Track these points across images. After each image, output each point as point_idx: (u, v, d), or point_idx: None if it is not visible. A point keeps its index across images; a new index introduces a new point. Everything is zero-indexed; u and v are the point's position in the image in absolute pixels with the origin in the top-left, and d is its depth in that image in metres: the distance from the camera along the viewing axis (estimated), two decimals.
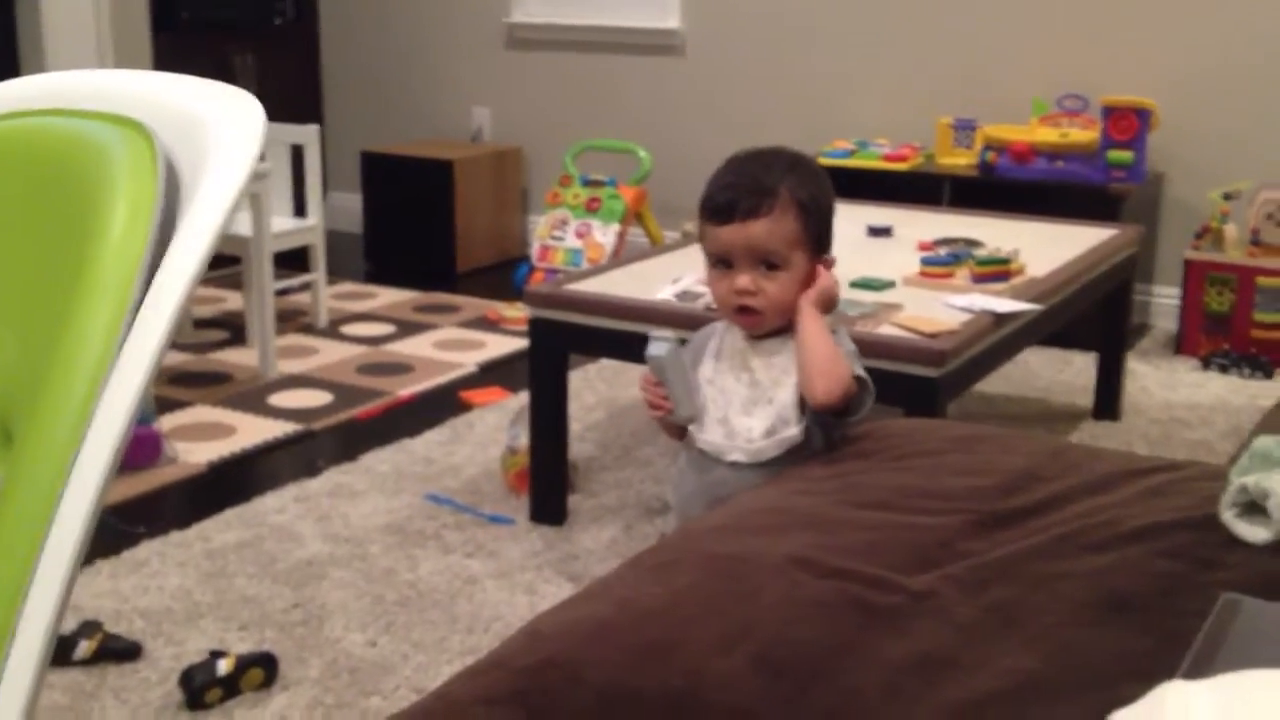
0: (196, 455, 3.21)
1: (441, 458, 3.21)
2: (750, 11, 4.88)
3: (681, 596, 1.37)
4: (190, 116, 0.97)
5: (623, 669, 1.24)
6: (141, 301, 0.88)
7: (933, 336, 2.39)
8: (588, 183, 4.54)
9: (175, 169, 0.94)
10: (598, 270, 2.98)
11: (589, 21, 5.20)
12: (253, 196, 3.79)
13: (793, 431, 1.86)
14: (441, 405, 3.60)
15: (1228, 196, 4.03)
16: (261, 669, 2.20)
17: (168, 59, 4.81)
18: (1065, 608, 1.35)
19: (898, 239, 3.19)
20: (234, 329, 4.23)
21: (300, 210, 4.27)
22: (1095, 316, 3.42)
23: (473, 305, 4.60)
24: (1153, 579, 1.42)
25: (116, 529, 2.76)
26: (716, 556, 1.46)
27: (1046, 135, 4.18)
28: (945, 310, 2.56)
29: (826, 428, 1.88)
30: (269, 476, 3.12)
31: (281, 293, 4.22)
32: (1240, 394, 3.70)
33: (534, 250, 4.54)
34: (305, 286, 4.36)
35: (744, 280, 1.85)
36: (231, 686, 2.16)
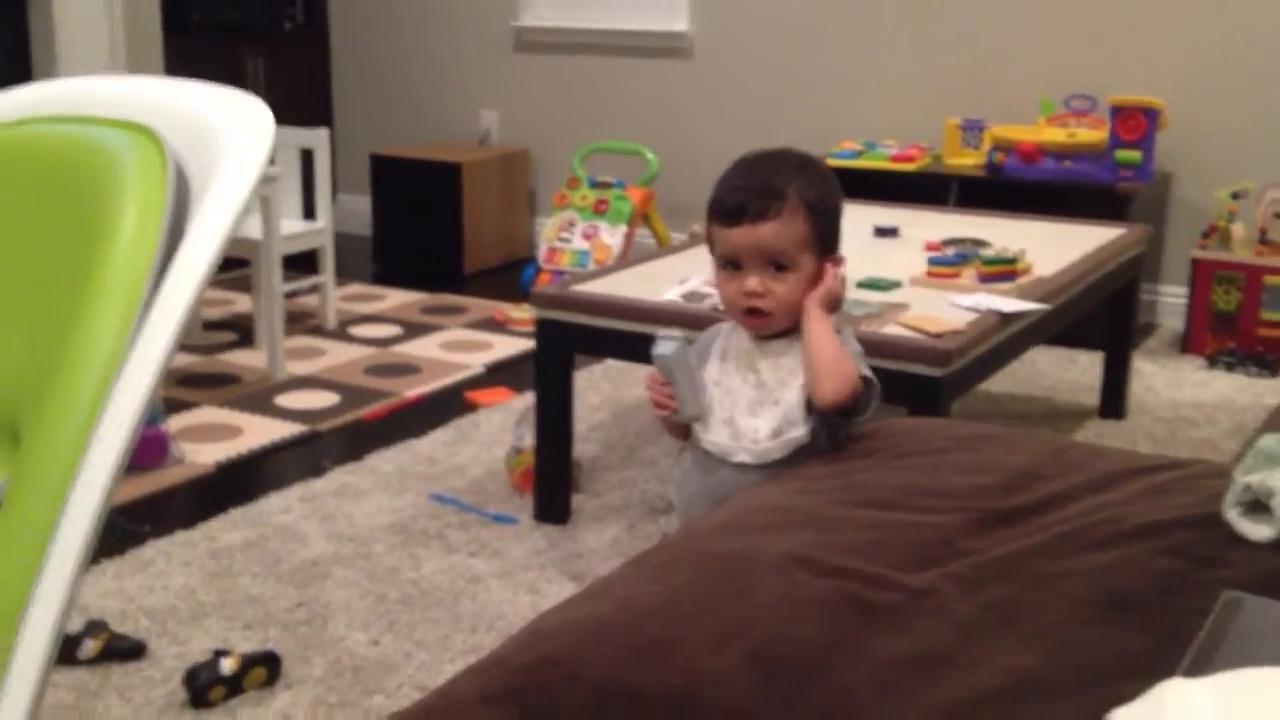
0: (204, 456, 3.22)
1: (446, 458, 3.22)
2: (758, 14, 4.88)
3: (680, 595, 1.37)
4: (200, 121, 0.98)
5: (620, 667, 1.24)
6: (151, 304, 0.89)
7: (938, 336, 2.39)
8: (595, 184, 4.55)
9: (185, 173, 0.94)
10: (604, 271, 2.98)
11: (597, 24, 5.20)
12: (262, 199, 3.80)
13: (799, 432, 1.87)
14: (447, 406, 3.61)
15: (1235, 196, 4.03)
16: (265, 668, 2.20)
17: (179, 62, 4.82)
18: (1065, 605, 1.35)
19: (905, 239, 3.20)
20: (243, 331, 4.25)
21: (309, 213, 4.29)
22: (1102, 316, 3.42)
23: (480, 307, 4.61)
24: (1154, 577, 1.42)
25: (123, 529, 2.77)
26: (716, 555, 1.47)
27: (1054, 135, 4.18)
28: (951, 310, 2.56)
29: (832, 428, 1.88)
30: (275, 477, 3.13)
31: (290, 295, 4.23)
32: (1246, 393, 3.70)
33: (541, 252, 4.54)
34: (314, 288, 4.37)
35: (753, 282, 1.85)
36: (235, 685, 2.17)
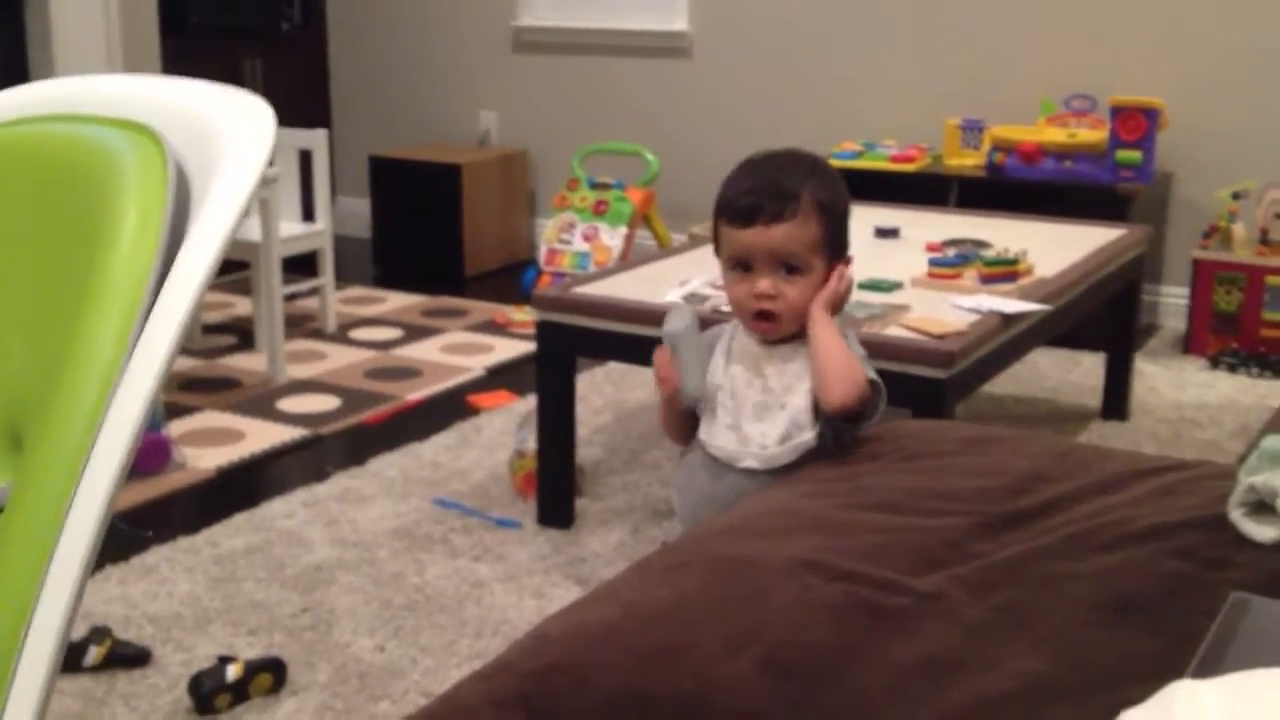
0: (205, 460, 3.21)
1: (449, 462, 3.21)
2: (757, 14, 4.88)
3: (689, 600, 1.37)
4: (201, 121, 0.97)
5: (630, 672, 1.24)
6: (151, 307, 0.88)
7: (940, 338, 2.38)
8: (595, 186, 4.54)
9: (185, 174, 0.94)
10: (605, 273, 2.98)
11: (596, 25, 5.20)
12: (261, 201, 3.80)
13: (807, 437, 1.86)
14: (449, 409, 3.61)
15: (1236, 196, 4.02)
16: (270, 674, 2.20)
17: (176, 64, 4.82)
18: (1073, 608, 1.35)
19: (905, 240, 3.19)
20: (243, 334, 4.24)
21: (309, 215, 4.28)
22: (1103, 317, 3.41)
23: (480, 309, 4.61)
24: (1161, 579, 1.42)
25: (126, 534, 2.77)
26: (724, 559, 1.46)
27: (1054, 135, 4.17)
28: (953, 311, 2.56)
29: (839, 432, 1.87)
30: (277, 481, 3.12)
31: (290, 298, 4.22)
32: (1249, 393, 3.69)
33: (541, 254, 4.54)
34: (314, 291, 4.37)
35: (765, 284, 1.84)
36: (240, 692, 2.16)
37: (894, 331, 2.43)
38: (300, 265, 4.27)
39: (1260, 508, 1.53)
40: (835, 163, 4.14)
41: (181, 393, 3.69)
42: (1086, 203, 3.90)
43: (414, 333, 4.32)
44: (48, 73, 4.34)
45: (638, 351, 2.25)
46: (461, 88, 5.55)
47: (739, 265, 1.87)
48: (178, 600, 2.52)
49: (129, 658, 2.28)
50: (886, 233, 3.23)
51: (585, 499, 2.96)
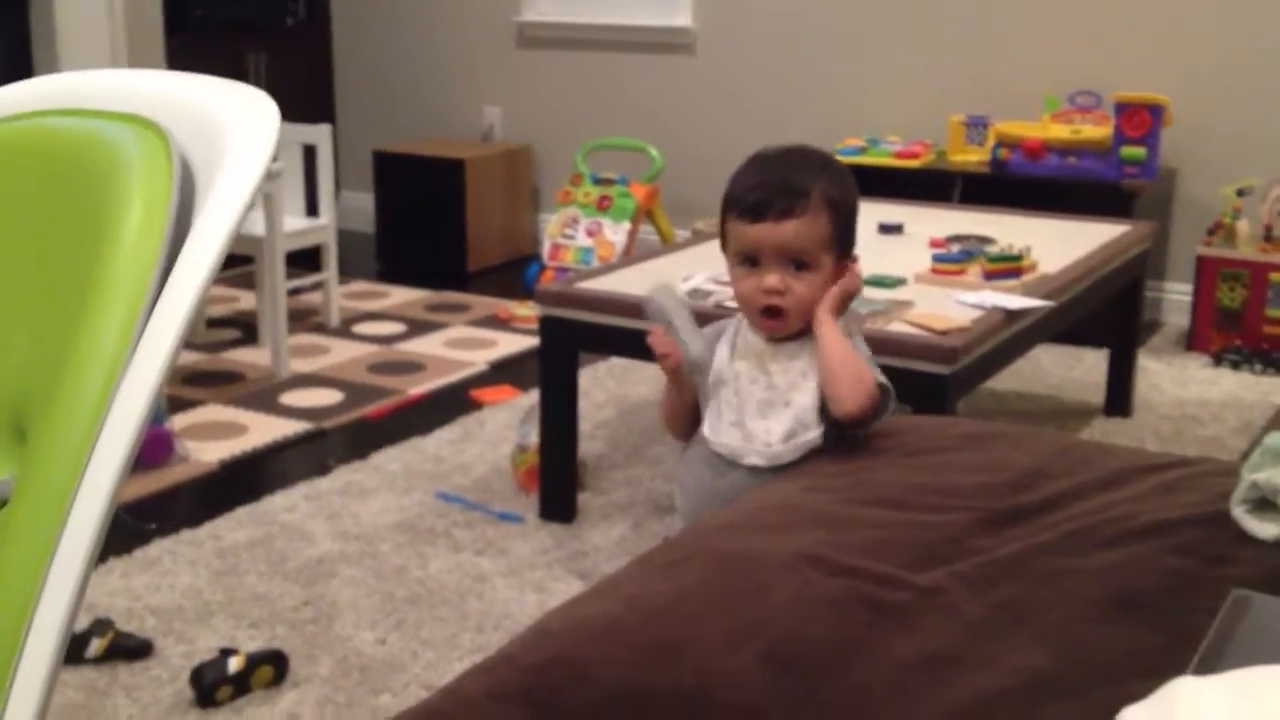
0: (208, 454, 3.22)
1: (452, 456, 3.22)
2: (761, 9, 4.88)
3: (690, 594, 1.37)
4: (205, 115, 0.97)
5: (631, 666, 1.24)
6: (156, 301, 0.88)
7: (944, 334, 2.38)
8: (599, 181, 4.54)
9: (190, 168, 0.94)
10: (608, 269, 2.98)
11: (600, 20, 5.20)
12: (265, 196, 3.80)
13: (812, 435, 1.85)
14: (452, 404, 3.61)
15: (1240, 192, 4.02)
16: (272, 666, 2.20)
17: (181, 59, 4.82)
18: (1075, 604, 1.35)
19: (909, 236, 3.19)
20: (246, 328, 4.25)
21: (312, 210, 4.28)
22: (1107, 313, 3.41)
23: (484, 304, 4.61)
24: (1163, 575, 1.42)
25: (129, 527, 2.77)
26: (725, 554, 1.46)
27: (1059, 132, 4.17)
28: (956, 307, 2.56)
29: (844, 431, 1.87)
30: (280, 475, 3.13)
31: (294, 292, 4.23)
32: (1252, 390, 3.69)
33: (545, 249, 4.54)
34: (317, 286, 4.37)
35: (773, 279, 1.83)
36: (242, 684, 2.17)
37: (897, 327, 2.43)
38: (304, 260, 4.27)
39: (1263, 504, 1.53)
40: (839, 159, 4.15)
41: (185, 386, 3.70)
42: (1090, 199, 3.89)
43: (417, 327, 4.33)
44: (53, 69, 4.34)
45: (640, 347, 2.25)
46: (465, 83, 5.55)
47: (747, 260, 1.86)
48: (180, 592, 2.52)
49: (131, 649, 2.28)
50: (890, 229, 3.23)
51: (587, 493, 2.96)
